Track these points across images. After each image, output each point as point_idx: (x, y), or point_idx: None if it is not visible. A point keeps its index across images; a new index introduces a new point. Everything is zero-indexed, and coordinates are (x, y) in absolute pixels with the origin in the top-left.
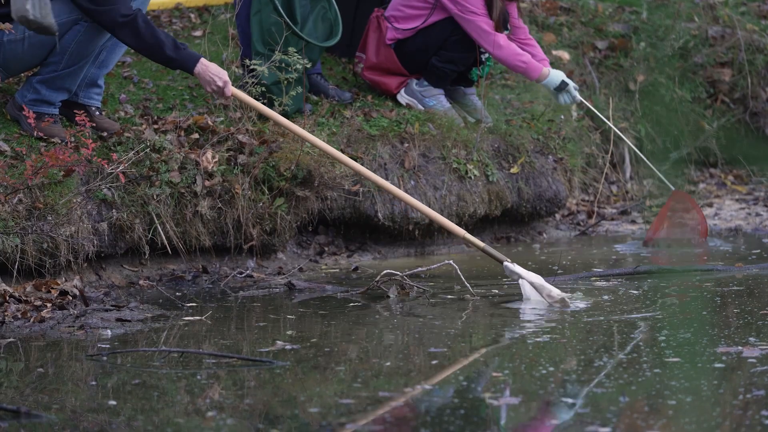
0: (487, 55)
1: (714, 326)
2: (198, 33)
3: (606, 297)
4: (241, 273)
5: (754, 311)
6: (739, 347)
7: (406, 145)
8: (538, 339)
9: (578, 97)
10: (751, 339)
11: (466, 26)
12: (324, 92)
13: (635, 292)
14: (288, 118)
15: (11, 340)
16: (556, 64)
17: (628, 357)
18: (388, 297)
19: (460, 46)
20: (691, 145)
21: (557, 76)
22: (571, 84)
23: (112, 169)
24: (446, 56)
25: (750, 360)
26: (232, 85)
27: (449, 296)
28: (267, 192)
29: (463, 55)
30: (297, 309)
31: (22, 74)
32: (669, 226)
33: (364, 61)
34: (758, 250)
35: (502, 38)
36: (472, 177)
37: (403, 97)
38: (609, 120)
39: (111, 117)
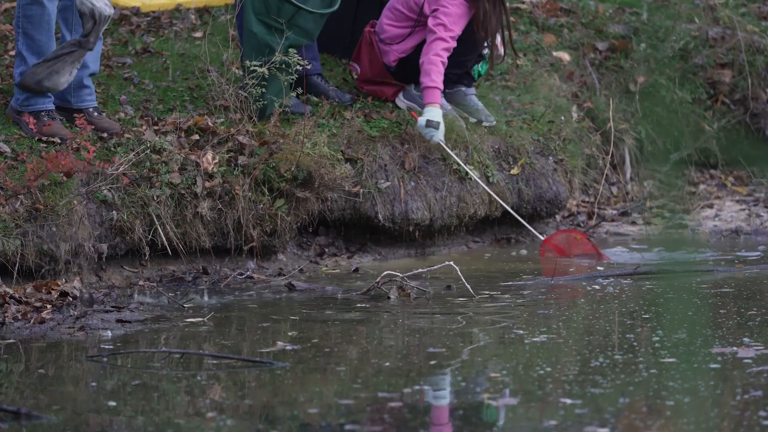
0: (485, 50)
1: (708, 327)
2: (198, 34)
3: (602, 296)
4: (241, 274)
5: (742, 311)
6: (734, 348)
7: (407, 146)
8: (535, 339)
9: (437, 139)
10: (746, 340)
11: (430, 25)
12: (324, 93)
13: (632, 292)
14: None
15: (12, 341)
16: (556, 65)
17: (623, 357)
18: (389, 298)
19: (464, 49)
20: (691, 146)
21: (438, 114)
22: (442, 128)
23: (112, 171)
24: (453, 61)
25: (745, 360)
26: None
27: (449, 297)
28: (267, 193)
29: (470, 57)
30: (297, 310)
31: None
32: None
33: (359, 73)
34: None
35: (443, 51)
36: (472, 178)
37: (402, 102)
38: (463, 163)
39: (111, 118)
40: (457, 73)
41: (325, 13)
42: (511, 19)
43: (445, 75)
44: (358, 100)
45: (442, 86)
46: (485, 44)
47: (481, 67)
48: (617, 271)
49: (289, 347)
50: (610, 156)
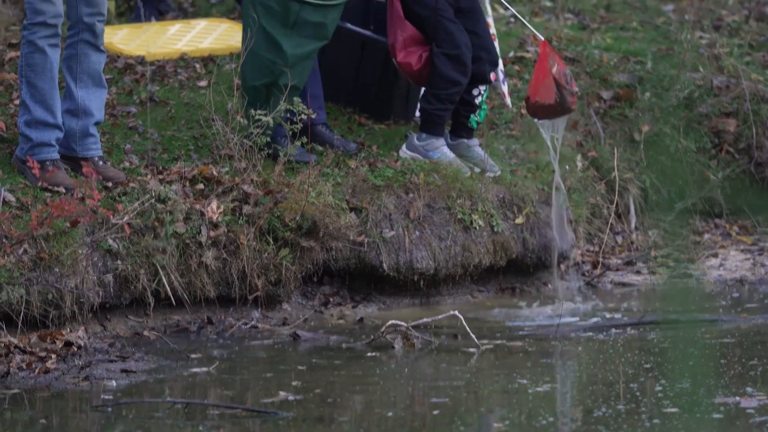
0: (479, 99)
1: (710, 376)
2: (203, 83)
3: (605, 346)
4: (246, 324)
5: (744, 361)
6: (737, 398)
7: (411, 195)
8: (538, 389)
9: None
10: (749, 389)
11: None
12: (329, 142)
13: (635, 341)
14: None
15: (16, 391)
16: None
17: (626, 407)
18: (393, 348)
19: (437, 78)
20: (696, 195)
21: None
22: None
23: (116, 220)
24: (429, 94)
25: (748, 411)
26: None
27: (453, 347)
28: (272, 242)
29: (446, 92)
30: (302, 360)
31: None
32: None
33: (395, 41)
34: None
35: None
36: (477, 227)
37: (405, 153)
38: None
39: (116, 167)
40: (440, 108)
41: (331, 5)
42: (516, 68)
43: (431, 113)
44: (362, 149)
45: None
46: (477, 92)
47: (479, 116)
48: (623, 321)
49: (292, 397)
50: (614, 205)
